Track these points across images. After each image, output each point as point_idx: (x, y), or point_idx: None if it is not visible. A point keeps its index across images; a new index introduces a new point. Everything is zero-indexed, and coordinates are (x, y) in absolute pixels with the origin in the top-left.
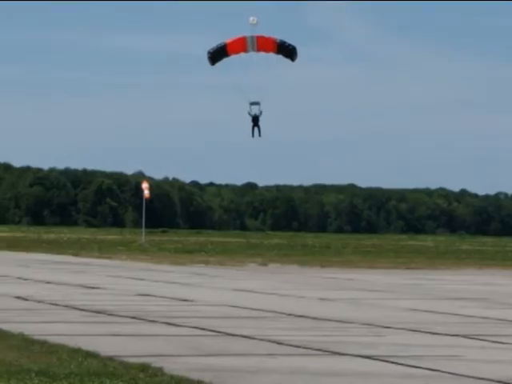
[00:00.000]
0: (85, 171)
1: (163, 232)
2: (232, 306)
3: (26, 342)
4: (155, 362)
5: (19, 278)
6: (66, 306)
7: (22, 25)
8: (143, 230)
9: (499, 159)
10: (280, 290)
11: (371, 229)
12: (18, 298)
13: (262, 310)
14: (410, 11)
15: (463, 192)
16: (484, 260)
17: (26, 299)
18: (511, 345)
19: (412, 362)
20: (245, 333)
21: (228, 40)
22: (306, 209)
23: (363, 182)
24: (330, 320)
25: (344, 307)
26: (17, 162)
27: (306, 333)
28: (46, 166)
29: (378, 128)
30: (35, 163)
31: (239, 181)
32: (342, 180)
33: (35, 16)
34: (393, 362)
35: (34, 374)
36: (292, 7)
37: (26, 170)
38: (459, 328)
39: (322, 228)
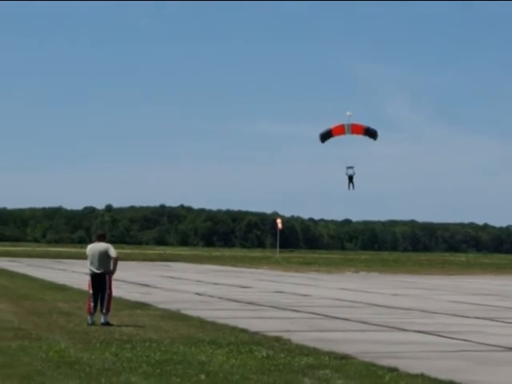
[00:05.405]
0: (240, 211)
1: (290, 251)
2: (335, 299)
3: (201, 323)
4: (285, 335)
5: (197, 280)
6: (227, 299)
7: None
8: (277, 249)
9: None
10: (367, 289)
11: (425, 249)
12: (197, 293)
13: (355, 302)
14: (454, 102)
15: (486, 225)
16: (499, 269)
17: (202, 295)
18: None
19: (452, 335)
20: (344, 316)
21: (332, 126)
22: (383, 236)
23: (420, 218)
24: (398, 308)
25: (408, 300)
26: (195, 205)
27: (383, 316)
28: (214, 208)
29: (429, 184)
30: (207, 206)
31: (340, 217)
32: (406, 217)
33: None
34: (439, 336)
35: (206, 343)
36: (372, 104)
37: (202, 210)
38: (483, 313)
39: (393, 248)
